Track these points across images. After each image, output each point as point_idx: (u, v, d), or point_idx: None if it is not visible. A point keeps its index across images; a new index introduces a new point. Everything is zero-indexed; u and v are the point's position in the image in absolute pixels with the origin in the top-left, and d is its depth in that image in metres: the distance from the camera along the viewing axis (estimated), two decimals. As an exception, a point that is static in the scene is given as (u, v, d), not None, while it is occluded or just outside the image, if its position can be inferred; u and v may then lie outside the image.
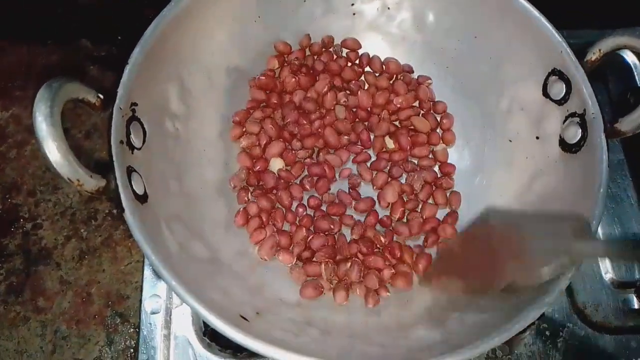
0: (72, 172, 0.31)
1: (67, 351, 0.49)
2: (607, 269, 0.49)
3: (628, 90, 0.54)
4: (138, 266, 0.52)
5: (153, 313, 0.45)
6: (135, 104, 0.37)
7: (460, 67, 0.48)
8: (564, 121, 0.41)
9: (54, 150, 0.31)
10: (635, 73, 0.54)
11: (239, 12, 0.45)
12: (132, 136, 0.37)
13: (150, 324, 0.45)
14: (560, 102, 0.41)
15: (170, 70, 0.41)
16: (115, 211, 0.55)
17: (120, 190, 0.33)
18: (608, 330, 0.47)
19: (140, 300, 0.48)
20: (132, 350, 0.50)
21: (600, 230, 0.49)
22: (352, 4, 0.48)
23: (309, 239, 0.44)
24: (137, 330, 0.49)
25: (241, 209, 0.45)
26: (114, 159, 0.34)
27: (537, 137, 0.43)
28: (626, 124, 0.37)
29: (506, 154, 0.46)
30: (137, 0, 0.64)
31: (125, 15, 0.64)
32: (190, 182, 0.43)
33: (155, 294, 0.46)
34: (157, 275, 0.45)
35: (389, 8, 0.48)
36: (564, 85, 0.40)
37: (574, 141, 0.40)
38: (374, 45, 0.50)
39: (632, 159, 0.53)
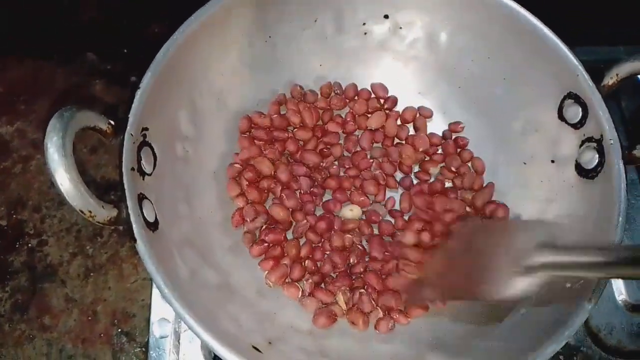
0: (84, 203, 0.31)
1: (72, 371, 0.49)
2: (620, 291, 0.48)
3: None
4: (144, 284, 0.52)
5: (162, 337, 0.45)
6: (146, 129, 0.37)
7: (473, 87, 0.48)
8: (580, 145, 0.40)
9: (66, 182, 0.30)
10: (649, 91, 0.54)
11: (250, 33, 0.44)
12: (143, 162, 0.36)
13: (159, 348, 0.45)
14: (576, 126, 0.40)
15: (180, 92, 0.41)
16: (121, 228, 0.55)
17: (132, 220, 0.33)
18: (622, 354, 0.46)
19: (149, 322, 0.48)
20: (138, 370, 0.49)
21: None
22: (364, 24, 0.47)
23: (320, 264, 0.43)
24: (143, 349, 0.49)
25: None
26: (126, 187, 0.33)
27: (553, 161, 0.43)
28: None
29: (520, 177, 0.45)
30: (143, 14, 0.64)
31: (131, 29, 0.64)
32: (200, 206, 0.42)
33: (163, 317, 0.46)
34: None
35: (400, 28, 0.47)
36: (580, 109, 0.40)
37: (591, 167, 0.39)
38: (386, 65, 0.50)
39: None
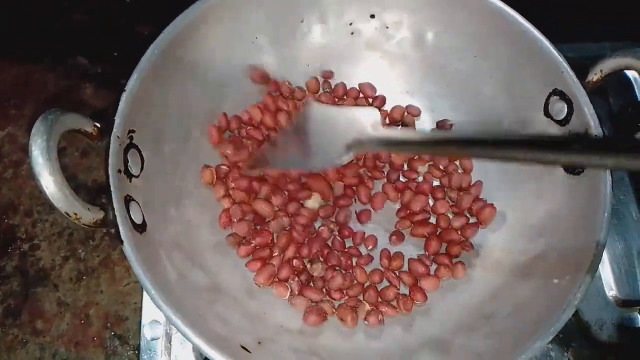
0: (69, 205, 0.31)
1: (65, 374, 0.49)
2: (610, 287, 0.48)
3: (629, 105, 0.54)
4: (136, 287, 0.52)
5: (153, 339, 0.45)
6: (132, 131, 0.37)
7: (460, 86, 0.48)
8: None
9: (50, 184, 0.30)
10: (636, 87, 0.54)
11: (237, 33, 0.44)
12: (129, 164, 0.36)
13: (150, 350, 0.45)
14: (562, 123, 0.41)
15: (168, 93, 0.41)
16: (113, 231, 0.55)
17: (119, 222, 0.33)
18: (613, 349, 0.46)
19: (140, 325, 0.47)
20: (131, 372, 0.49)
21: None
22: (351, 23, 0.47)
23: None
24: (136, 352, 0.49)
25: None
26: (112, 189, 0.33)
27: None
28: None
29: (508, 175, 0.45)
30: (132, 16, 0.64)
31: (121, 32, 0.64)
32: (189, 207, 0.42)
33: (155, 319, 0.46)
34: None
35: (387, 27, 0.47)
36: (566, 106, 0.40)
37: None
38: (373, 65, 0.50)
39: (634, 174, 0.53)
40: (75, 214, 0.31)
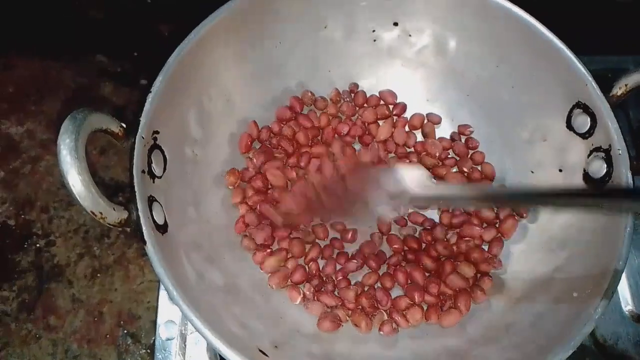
0: (95, 205, 0.31)
1: (77, 371, 0.49)
2: (627, 302, 0.48)
3: None
4: (150, 285, 0.52)
5: (168, 339, 0.45)
6: (157, 132, 0.37)
7: (481, 94, 0.48)
8: (589, 155, 0.40)
9: (78, 184, 0.31)
10: (657, 100, 0.54)
11: (260, 38, 0.45)
12: (153, 165, 0.37)
13: (165, 350, 0.45)
14: (585, 136, 0.40)
15: (190, 95, 0.41)
16: (128, 229, 0.55)
17: (142, 222, 0.33)
18: (626, 364, 0.46)
19: (154, 324, 0.48)
20: (143, 371, 0.49)
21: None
22: (373, 30, 0.48)
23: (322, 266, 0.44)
24: (148, 351, 0.49)
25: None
26: (136, 189, 0.34)
27: (560, 170, 0.43)
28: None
29: (527, 184, 0.45)
30: (152, 15, 0.65)
31: (141, 31, 0.65)
32: (208, 208, 0.43)
33: (170, 319, 0.46)
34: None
35: (410, 35, 0.47)
36: (589, 119, 0.40)
37: (599, 176, 0.39)
38: (394, 72, 0.50)
39: None
40: (101, 213, 0.31)
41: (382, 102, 0.50)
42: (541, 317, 0.37)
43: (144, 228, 0.33)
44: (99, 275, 0.53)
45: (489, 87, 0.47)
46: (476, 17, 0.44)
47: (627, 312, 0.48)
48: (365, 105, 0.50)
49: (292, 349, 0.37)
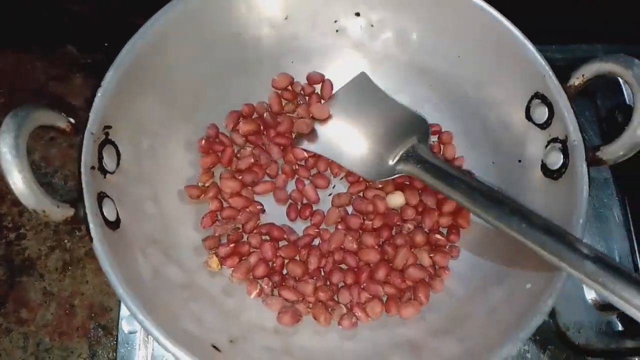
0: (37, 203, 0.31)
1: (49, 364, 0.49)
2: (590, 290, 0.48)
3: (616, 108, 0.53)
4: (122, 278, 0.52)
5: (131, 333, 0.45)
6: (109, 127, 0.37)
7: (444, 86, 0.48)
8: (546, 146, 0.40)
9: (19, 182, 0.30)
10: (624, 90, 0.53)
11: (222, 31, 0.44)
12: (104, 160, 0.36)
13: (128, 343, 0.45)
14: (543, 127, 0.40)
15: (147, 87, 0.40)
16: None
17: (89, 219, 0.33)
18: (591, 353, 0.46)
19: (119, 319, 0.48)
20: (114, 363, 0.49)
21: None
22: (335, 21, 0.47)
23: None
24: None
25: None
26: (84, 186, 0.33)
27: (520, 161, 0.43)
28: (607, 153, 0.36)
29: (489, 177, 0.45)
30: (125, 7, 0.64)
31: (113, 22, 0.64)
32: (168, 203, 0.42)
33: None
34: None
35: (372, 25, 0.47)
36: (547, 110, 0.39)
37: (556, 167, 0.39)
38: (357, 64, 0.49)
39: (618, 177, 0.52)
40: (44, 211, 0.31)
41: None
42: (496, 308, 0.37)
43: (91, 226, 0.33)
44: (70, 268, 0.53)
45: (451, 78, 0.47)
46: (436, 7, 0.43)
47: (590, 301, 0.48)
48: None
49: (249, 343, 0.37)
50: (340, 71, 0.49)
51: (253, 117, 0.48)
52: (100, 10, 0.64)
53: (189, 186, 0.44)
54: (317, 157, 0.47)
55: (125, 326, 0.45)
